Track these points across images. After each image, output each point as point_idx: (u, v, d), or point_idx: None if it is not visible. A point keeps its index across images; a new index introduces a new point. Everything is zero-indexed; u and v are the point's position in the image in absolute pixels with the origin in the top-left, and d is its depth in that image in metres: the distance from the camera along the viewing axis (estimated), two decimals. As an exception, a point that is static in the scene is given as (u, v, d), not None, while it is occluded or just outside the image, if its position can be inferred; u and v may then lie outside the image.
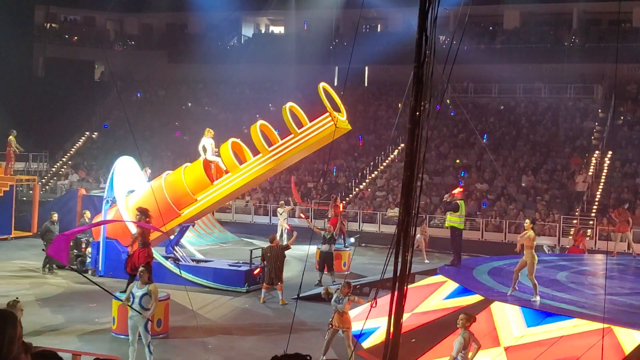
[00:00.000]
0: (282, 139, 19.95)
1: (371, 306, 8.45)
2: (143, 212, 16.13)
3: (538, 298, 13.70)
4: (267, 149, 19.54)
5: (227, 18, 46.50)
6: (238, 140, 20.38)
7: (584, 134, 35.16)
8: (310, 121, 19.87)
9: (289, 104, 19.89)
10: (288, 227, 24.11)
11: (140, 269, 13.00)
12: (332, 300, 13.00)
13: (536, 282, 13.88)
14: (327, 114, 19.31)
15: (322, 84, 19.50)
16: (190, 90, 45.86)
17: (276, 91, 42.05)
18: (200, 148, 20.43)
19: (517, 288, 14.19)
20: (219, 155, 20.27)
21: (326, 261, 20.37)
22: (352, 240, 25.34)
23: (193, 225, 22.50)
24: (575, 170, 31.97)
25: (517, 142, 35.53)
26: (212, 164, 20.34)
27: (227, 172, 20.14)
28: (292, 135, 19.58)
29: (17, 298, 10.53)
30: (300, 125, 19.75)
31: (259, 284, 18.85)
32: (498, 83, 39.57)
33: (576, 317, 12.42)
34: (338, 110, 19.62)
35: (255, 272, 19.24)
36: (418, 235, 24.11)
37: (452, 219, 18.63)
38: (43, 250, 20.92)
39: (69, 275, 20.68)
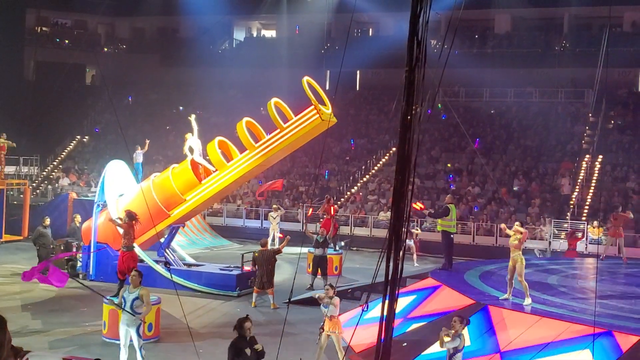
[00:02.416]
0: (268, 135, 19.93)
1: (362, 310, 8.46)
2: (130, 216, 16.06)
3: (529, 300, 13.74)
4: (254, 145, 19.50)
5: (219, 22, 46.47)
6: (224, 139, 20.33)
7: (574, 138, 35.29)
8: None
9: (274, 100, 19.86)
10: (280, 235, 24.06)
11: (132, 272, 12.95)
12: (321, 305, 12.96)
13: (526, 284, 13.92)
14: (312, 107, 19.28)
15: (306, 78, 19.52)
16: (182, 94, 45.75)
17: (268, 95, 41.38)
18: (186, 149, 20.39)
19: (510, 297, 14.20)
20: (207, 157, 20.24)
21: (320, 265, 20.32)
22: (342, 243, 25.32)
23: (183, 227, 22.43)
24: (561, 174, 32.13)
25: (508, 146, 35.65)
26: (199, 164, 20.33)
27: (215, 172, 20.11)
28: (278, 130, 19.55)
29: (247, 315, 10.01)
30: (286, 121, 19.73)
31: (250, 288, 18.83)
32: (489, 87, 39.69)
33: (567, 321, 12.47)
34: (323, 103, 19.61)
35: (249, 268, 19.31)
36: (409, 241, 24.09)
37: (444, 223, 18.66)
38: (38, 256, 20.92)
39: (59, 279, 20.60)
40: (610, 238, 22.73)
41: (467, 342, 10.94)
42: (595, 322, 10.70)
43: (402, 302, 14.53)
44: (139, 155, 28.35)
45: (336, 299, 12.86)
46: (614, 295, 15.50)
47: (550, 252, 26.37)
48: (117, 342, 13.01)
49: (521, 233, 14.33)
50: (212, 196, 20.24)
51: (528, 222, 27.91)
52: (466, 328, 11.28)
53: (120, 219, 16.54)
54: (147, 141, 29.02)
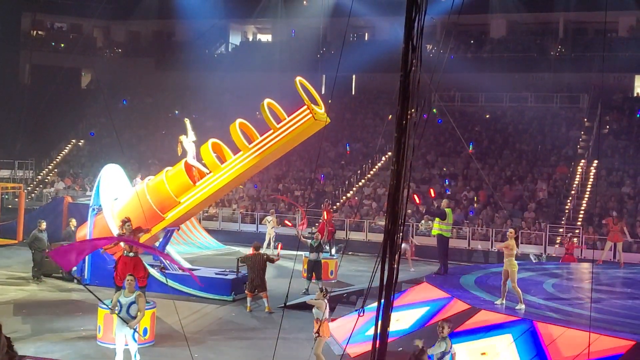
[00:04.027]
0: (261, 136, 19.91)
1: (359, 316, 8.42)
2: (124, 222, 16.05)
3: (523, 306, 13.73)
4: (248, 146, 19.48)
5: (214, 26, 46.54)
6: (218, 141, 20.31)
7: (570, 143, 35.35)
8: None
9: (267, 101, 19.86)
10: (279, 246, 24.05)
11: (128, 277, 12.86)
12: (313, 309, 12.90)
13: (519, 290, 13.91)
14: (305, 107, 19.27)
15: (299, 78, 19.53)
16: (178, 97, 45.74)
17: (263, 99, 41.72)
18: (186, 145, 20.35)
19: (504, 302, 14.19)
20: (201, 161, 20.22)
21: (315, 270, 20.32)
22: (336, 248, 25.33)
23: (177, 230, 22.36)
24: (537, 178, 32.25)
25: (503, 150, 35.68)
26: (193, 167, 20.32)
27: (209, 174, 20.08)
28: (271, 131, 19.54)
29: (423, 347, 9.40)
30: (279, 122, 19.73)
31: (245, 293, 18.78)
32: (485, 92, 39.73)
33: (562, 325, 12.47)
34: (316, 103, 19.62)
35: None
36: (404, 244, 24.10)
37: (440, 227, 18.64)
38: (34, 258, 20.83)
39: (55, 283, 20.57)
40: (609, 242, 22.65)
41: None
42: (590, 327, 10.69)
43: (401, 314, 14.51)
44: (137, 185, 27.63)
45: (322, 303, 12.75)
46: (611, 298, 15.51)
47: (546, 257, 26.37)
48: (112, 346, 12.99)
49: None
50: (207, 198, 20.19)
51: (523, 227, 27.95)
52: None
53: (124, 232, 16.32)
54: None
